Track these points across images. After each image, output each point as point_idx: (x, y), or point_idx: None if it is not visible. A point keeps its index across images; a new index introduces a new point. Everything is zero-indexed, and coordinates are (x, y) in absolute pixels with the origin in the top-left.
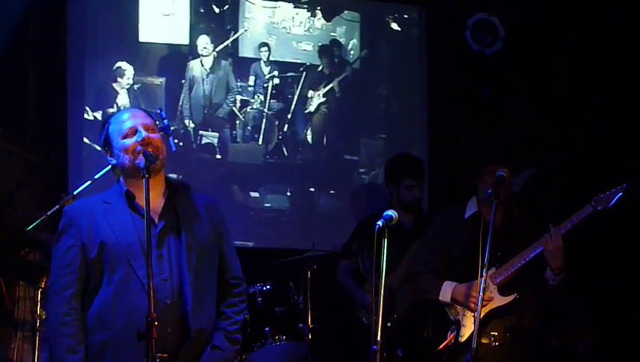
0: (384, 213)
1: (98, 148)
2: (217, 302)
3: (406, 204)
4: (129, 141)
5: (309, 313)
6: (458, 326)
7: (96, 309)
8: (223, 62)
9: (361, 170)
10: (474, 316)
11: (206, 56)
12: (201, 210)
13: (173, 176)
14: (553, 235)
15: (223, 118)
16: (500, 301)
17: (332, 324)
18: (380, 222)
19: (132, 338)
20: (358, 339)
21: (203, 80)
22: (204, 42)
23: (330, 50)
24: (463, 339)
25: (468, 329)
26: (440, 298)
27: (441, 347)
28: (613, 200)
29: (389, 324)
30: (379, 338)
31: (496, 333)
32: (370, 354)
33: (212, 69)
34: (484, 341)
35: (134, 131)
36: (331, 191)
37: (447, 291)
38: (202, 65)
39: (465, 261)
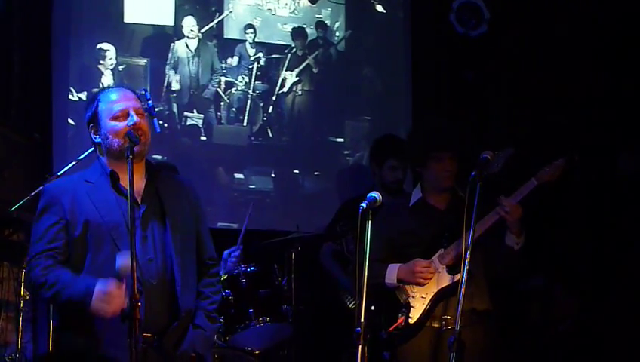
0: (368, 195)
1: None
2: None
3: (387, 185)
4: (120, 124)
5: (293, 294)
6: (407, 308)
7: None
8: (208, 43)
9: (346, 152)
10: (422, 296)
11: (191, 38)
12: (182, 191)
13: (158, 157)
14: (508, 201)
15: (207, 100)
16: (448, 280)
17: (315, 306)
18: (363, 204)
19: (116, 319)
20: (342, 321)
21: (188, 61)
22: (189, 24)
23: (304, 31)
24: (412, 321)
25: (417, 310)
26: (386, 281)
27: (391, 329)
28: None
29: (372, 307)
30: (362, 320)
31: (448, 317)
32: (354, 335)
33: (197, 51)
34: (434, 324)
35: (126, 114)
36: (316, 173)
37: (392, 273)
38: (187, 47)
39: (412, 247)
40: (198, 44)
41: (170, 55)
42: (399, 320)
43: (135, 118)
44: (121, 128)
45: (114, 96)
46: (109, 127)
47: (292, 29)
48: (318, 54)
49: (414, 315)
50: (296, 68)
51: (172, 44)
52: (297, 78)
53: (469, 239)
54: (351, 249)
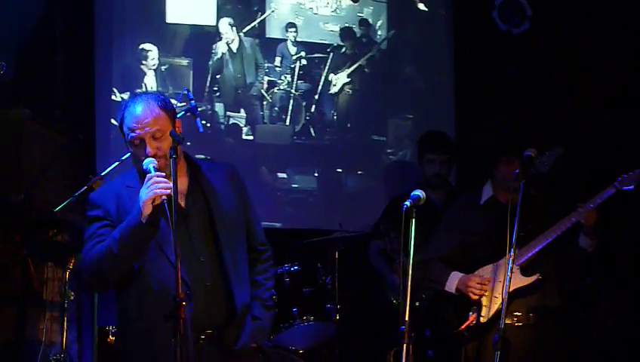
0: (412, 193)
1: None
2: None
3: (427, 179)
4: (137, 151)
5: (337, 293)
6: (479, 306)
7: (133, 298)
8: (250, 43)
9: (389, 151)
10: (495, 296)
11: (233, 37)
12: (226, 182)
13: (201, 156)
14: (585, 207)
15: (250, 99)
16: (522, 281)
17: (360, 305)
18: (407, 202)
19: (162, 321)
20: (386, 320)
21: (230, 61)
22: (231, 23)
23: (356, 31)
24: (484, 320)
25: (490, 309)
26: (446, 288)
27: (462, 327)
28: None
29: (417, 304)
30: (407, 318)
31: (519, 313)
32: (398, 334)
33: (239, 50)
34: (507, 321)
35: (141, 142)
36: (359, 172)
37: (452, 282)
38: (229, 47)
39: (482, 246)
40: (240, 44)
41: (212, 55)
42: (470, 319)
43: (149, 149)
44: (139, 157)
45: (130, 119)
46: (129, 147)
47: (340, 29)
48: (367, 55)
49: (486, 315)
50: (343, 67)
51: (214, 44)
52: (349, 80)
53: (513, 236)
54: (394, 247)
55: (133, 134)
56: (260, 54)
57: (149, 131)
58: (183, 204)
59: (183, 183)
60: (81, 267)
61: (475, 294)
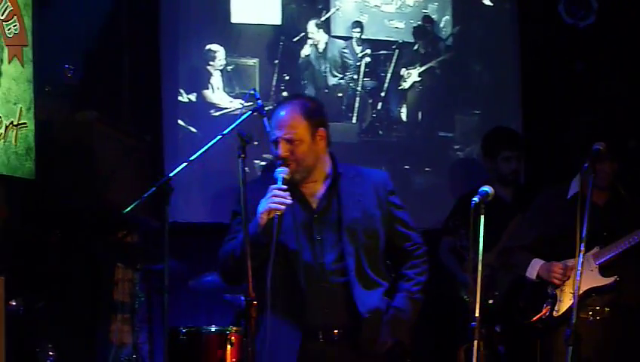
0: (480, 189)
1: (193, 129)
2: (398, 267)
3: (504, 176)
4: (274, 152)
5: None
6: (554, 300)
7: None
8: (323, 42)
9: (456, 147)
10: (571, 292)
11: (298, 35)
12: (368, 190)
13: (269, 156)
14: None
15: (317, 97)
16: (599, 281)
17: (430, 301)
18: (475, 198)
19: (288, 321)
20: (457, 316)
21: (297, 59)
22: (296, 22)
23: (422, 29)
24: (558, 314)
25: (564, 304)
26: (527, 274)
27: (535, 319)
28: None
29: (490, 302)
30: (477, 315)
31: (596, 308)
32: (468, 330)
33: (305, 49)
34: (582, 315)
35: (277, 144)
36: (426, 169)
37: (534, 268)
38: (295, 45)
39: (564, 240)
40: (306, 42)
41: (278, 54)
42: (544, 311)
43: (280, 151)
44: (275, 159)
45: (273, 120)
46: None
47: (413, 27)
48: (440, 57)
49: (560, 309)
50: (414, 65)
51: (280, 43)
52: (420, 78)
53: (583, 230)
54: (464, 244)
55: (272, 136)
56: (326, 53)
57: (284, 134)
58: (314, 206)
59: (318, 187)
60: (217, 258)
61: (558, 280)
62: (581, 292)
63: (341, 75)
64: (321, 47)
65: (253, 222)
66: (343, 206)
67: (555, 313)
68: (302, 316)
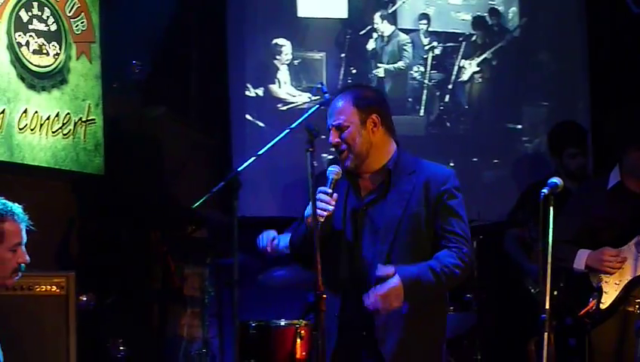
0: (549, 181)
1: (261, 124)
2: None
3: (570, 172)
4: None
5: (476, 283)
6: (600, 292)
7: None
8: (388, 33)
9: (524, 139)
10: (616, 283)
11: (364, 29)
12: (419, 187)
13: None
14: None
15: (383, 91)
16: None
17: (499, 294)
18: (545, 190)
19: (330, 313)
20: (526, 309)
21: (364, 53)
22: (363, 15)
23: (487, 20)
24: (604, 306)
25: (609, 296)
26: (575, 266)
27: (582, 313)
28: None
29: (555, 293)
30: (547, 307)
31: None
32: (538, 323)
33: (372, 42)
34: (629, 308)
35: (329, 132)
36: (494, 161)
37: (581, 259)
38: (362, 39)
39: (605, 232)
40: (373, 36)
41: (345, 47)
42: (590, 304)
43: (330, 138)
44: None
45: (329, 109)
46: None
47: (472, 18)
48: (497, 44)
49: (606, 301)
50: (475, 57)
51: (347, 37)
52: (478, 68)
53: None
54: (533, 235)
55: (327, 124)
56: (392, 46)
57: (333, 121)
58: (364, 199)
59: (375, 179)
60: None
61: (611, 267)
62: (627, 282)
63: (408, 68)
64: (387, 40)
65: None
66: (387, 202)
67: (601, 305)
68: (341, 309)
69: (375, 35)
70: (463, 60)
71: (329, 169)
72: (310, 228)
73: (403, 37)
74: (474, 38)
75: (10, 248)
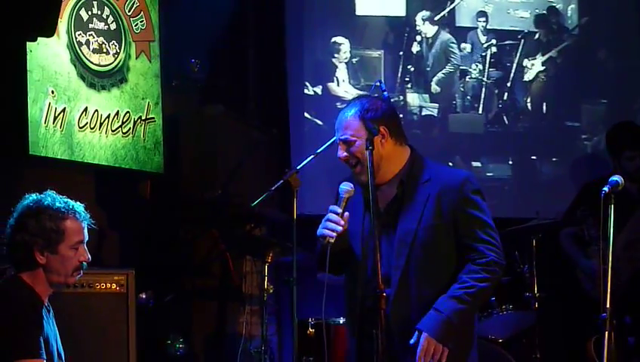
0: (610, 179)
1: (319, 122)
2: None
3: (629, 174)
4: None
5: (535, 282)
6: None
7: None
8: (442, 32)
9: (583, 137)
10: None
11: (423, 27)
12: (434, 195)
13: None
14: None
15: (442, 89)
16: None
17: (558, 292)
18: (605, 188)
19: (348, 326)
20: (585, 307)
21: (421, 51)
22: (421, 14)
23: (547, 18)
24: None
25: None
26: None
27: None
28: None
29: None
30: (608, 306)
31: None
32: (598, 321)
33: (430, 40)
34: None
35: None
36: (553, 159)
37: None
38: (421, 37)
39: None
40: (430, 34)
41: (403, 45)
42: None
43: (338, 153)
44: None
45: (336, 123)
46: None
47: (533, 16)
48: (561, 42)
49: None
50: (538, 55)
51: (405, 35)
52: (543, 68)
53: None
54: (592, 234)
55: (336, 137)
56: (451, 44)
57: (340, 135)
58: (382, 211)
59: (390, 191)
60: None
61: None
62: None
63: (466, 66)
64: (436, 41)
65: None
66: (401, 214)
67: None
68: (358, 322)
69: (419, 38)
70: (525, 59)
71: (340, 187)
72: (324, 246)
73: (446, 37)
74: (536, 36)
75: (71, 246)
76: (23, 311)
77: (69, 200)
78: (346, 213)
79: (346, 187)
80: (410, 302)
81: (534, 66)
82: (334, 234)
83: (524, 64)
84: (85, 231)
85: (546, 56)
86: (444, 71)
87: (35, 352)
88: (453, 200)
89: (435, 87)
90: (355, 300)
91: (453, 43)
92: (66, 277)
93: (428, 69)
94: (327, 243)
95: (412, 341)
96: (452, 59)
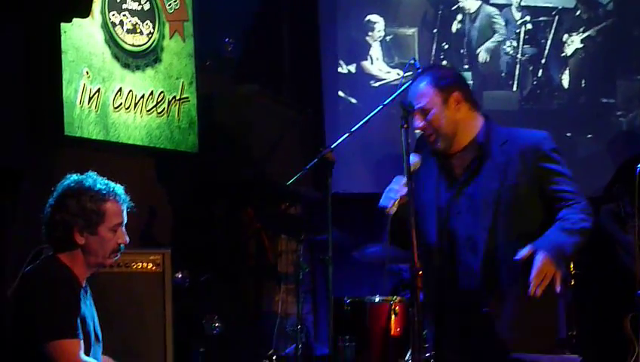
0: None
1: (353, 100)
2: None
3: None
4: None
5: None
6: None
7: None
8: (484, 5)
9: (618, 113)
10: None
11: (466, 2)
12: (514, 157)
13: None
14: None
15: (477, 66)
16: None
17: (596, 270)
18: None
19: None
20: (622, 284)
21: (456, 28)
22: None
23: None
24: None
25: None
26: None
27: None
28: None
29: None
30: None
31: None
32: (635, 299)
33: (464, 17)
34: None
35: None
36: (588, 136)
37: None
38: (455, 14)
39: None
40: (474, 9)
41: (438, 23)
42: None
43: (415, 123)
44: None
45: (409, 94)
46: None
47: None
48: (598, 20)
49: None
50: (576, 31)
51: (438, 12)
52: (582, 45)
53: None
54: (628, 211)
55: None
56: (497, 16)
57: (417, 106)
58: (459, 178)
59: (467, 157)
60: None
61: None
62: None
63: (501, 43)
64: (479, 14)
65: None
66: (482, 176)
67: None
68: (435, 294)
69: (467, 10)
70: (566, 35)
71: (409, 158)
72: (385, 218)
73: (490, 10)
74: (576, 12)
75: (110, 228)
76: (60, 291)
77: (110, 182)
78: (411, 183)
79: (413, 159)
80: (499, 264)
81: (573, 43)
82: (392, 203)
83: (563, 39)
84: (125, 213)
85: (586, 33)
86: (477, 48)
87: (72, 332)
88: (534, 159)
89: (469, 64)
90: (431, 271)
91: (497, 15)
92: (103, 259)
93: (461, 45)
94: (387, 214)
95: (519, 256)
96: (498, 30)
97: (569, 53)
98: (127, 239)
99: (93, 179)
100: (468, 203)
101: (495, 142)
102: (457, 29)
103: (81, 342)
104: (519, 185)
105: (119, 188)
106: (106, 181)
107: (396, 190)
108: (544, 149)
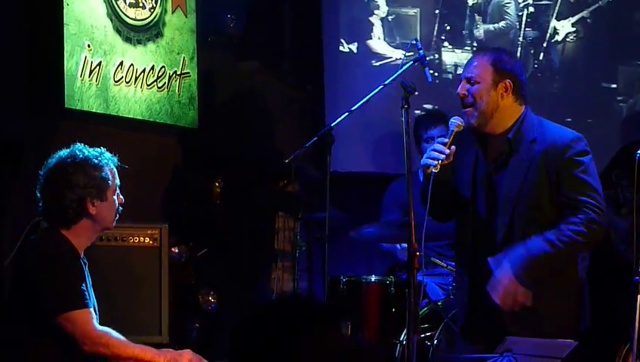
0: None
1: (354, 79)
2: None
3: None
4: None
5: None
6: None
7: None
8: None
9: (619, 98)
10: None
11: None
12: (538, 158)
13: (429, 106)
14: None
15: (477, 48)
16: None
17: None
18: None
19: (460, 271)
20: (616, 270)
21: (458, 9)
22: None
23: None
24: None
25: None
26: None
27: None
28: None
29: None
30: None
31: None
32: (631, 285)
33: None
34: None
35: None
36: (589, 120)
37: None
38: None
39: None
40: None
41: (440, 3)
42: None
43: (459, 88)
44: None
45: (468, 60)
46: None
47: None
48: (594, 5)
49: None
50: (570, 16)
51: None
52: (574, 29)
53: None
54: (627, 196)
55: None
56: (508, 3)
57: (467, 74)
58: (492, 164)
59: (501, 146)
60: None
61: None
62: None
63: (502, 26)
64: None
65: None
66: (507, 171)
67: None
68: (470, 272)
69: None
70: (557, 20)
71: (451, 120)
72: (427, 176)
73: None
74: None
75: (113, 191)
76: (65, 264)
77: (94, 148)
78: (453, 147)
79: (456, 121)
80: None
81: (564, 28)
82: (436, 163)
83: (561, 24)
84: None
85: (578, 16)
86: (490, 27)
87: (82, 303)
88: (557, 161)
89: (470, 46)
90: (466, 249)
91: (508, 3)
92: (111, 222)
93: (465, 27)
94: (430, 172)
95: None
96: (506, 18)
97: (568, 38)
98: (123, 198)
99: (83, 150)
100: (492, 194)
101: (525, 138)
102: (463, 10)
103: (92, 310)
104: (539, 185)
105: (107, 153)
106: (92, 149)
107: (440, 149)
108: (568, 153)
